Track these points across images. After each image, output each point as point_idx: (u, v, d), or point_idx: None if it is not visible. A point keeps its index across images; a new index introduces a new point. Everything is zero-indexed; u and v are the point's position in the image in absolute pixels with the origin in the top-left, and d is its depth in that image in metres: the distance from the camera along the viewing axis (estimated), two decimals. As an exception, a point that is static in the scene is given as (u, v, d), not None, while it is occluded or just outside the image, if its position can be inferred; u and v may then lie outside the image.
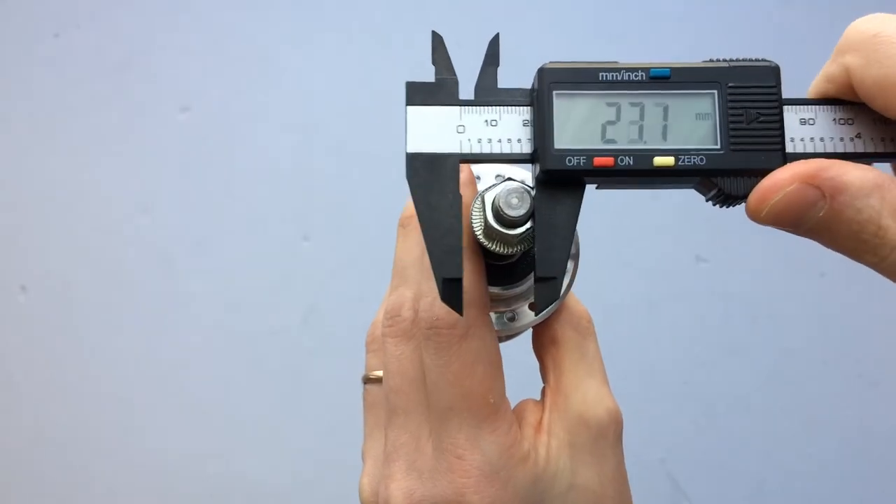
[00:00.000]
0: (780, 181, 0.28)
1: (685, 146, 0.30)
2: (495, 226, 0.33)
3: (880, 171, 0.29)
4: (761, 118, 0.30)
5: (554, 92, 0.30)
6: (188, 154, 1.04)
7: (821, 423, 0.97)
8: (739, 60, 0.31)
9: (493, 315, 0.38)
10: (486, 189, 0.34)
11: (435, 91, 0.32)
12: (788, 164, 0.29)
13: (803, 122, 0.31)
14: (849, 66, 0.29)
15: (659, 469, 0.96)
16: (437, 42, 0.32)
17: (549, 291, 0.31)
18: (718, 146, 0.30)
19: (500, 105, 0.31)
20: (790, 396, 0.98)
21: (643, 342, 0.98)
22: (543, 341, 0.38)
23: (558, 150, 0.30)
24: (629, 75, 0.30)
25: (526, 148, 0.31)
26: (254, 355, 0.96)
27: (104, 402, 0.99)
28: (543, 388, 0.38)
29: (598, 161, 0.30)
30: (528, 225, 0.32)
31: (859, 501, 0.97)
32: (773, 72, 0.30)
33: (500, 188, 0.33)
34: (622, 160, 0.30)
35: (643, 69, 0.30)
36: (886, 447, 0.97)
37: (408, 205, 0.37)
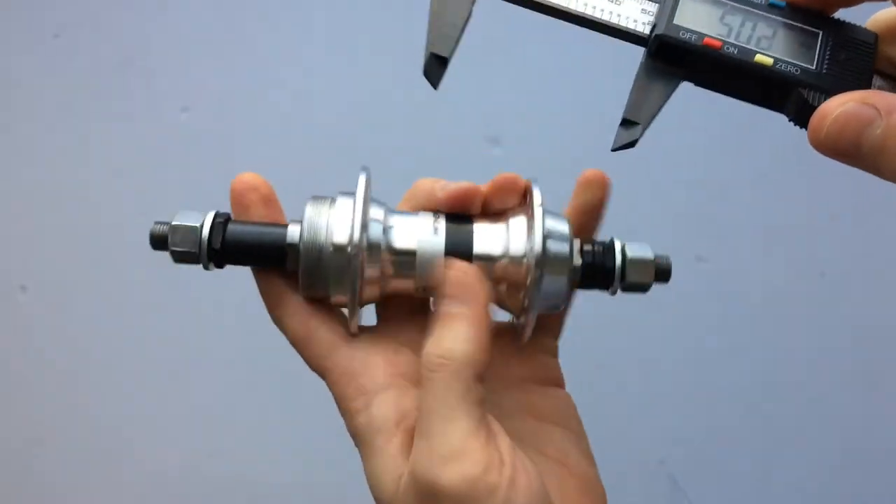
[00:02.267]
0: (836, 102, 0.30)
1: (785, 57, 0.33)
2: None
3: None
4: (855, 65, 0.33)
5: None
6: (188, 154, 1.04)
7: (821, 423, 0.97)
8: (844, 21, 0.34)
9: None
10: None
11: None
12: (841, 94, 0.31)
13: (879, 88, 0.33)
14: None
15: (659, 469, 0.96)
16: None
17: (631, 135, 0.33)
18: (813, 67, 0.33)
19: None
20: (790, 396, 0.98)
21: (643, 342, 0.98)
22: None
23: (675, 25, 0.33)
24: None
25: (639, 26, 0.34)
26: (254, 355, 0.96)
27: (104, 402, 0.99)
28: None
29: (708, 41, 0.33)
30: None
31: (859, 501, 0.97)
32: (874, 37, 0.33)
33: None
34: (728, 48, 0.33)
35: None
36: (886, 447, 0.97)
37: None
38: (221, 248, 0.40)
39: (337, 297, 0.36)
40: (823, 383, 0.98)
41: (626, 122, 0.33)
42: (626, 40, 0.34)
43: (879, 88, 0.33)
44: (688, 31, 0.33)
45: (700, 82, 0.34)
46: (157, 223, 0.41)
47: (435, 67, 0.34)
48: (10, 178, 1.06)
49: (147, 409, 0.99)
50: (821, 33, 0.33)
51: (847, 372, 0.98)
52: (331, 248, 0.35)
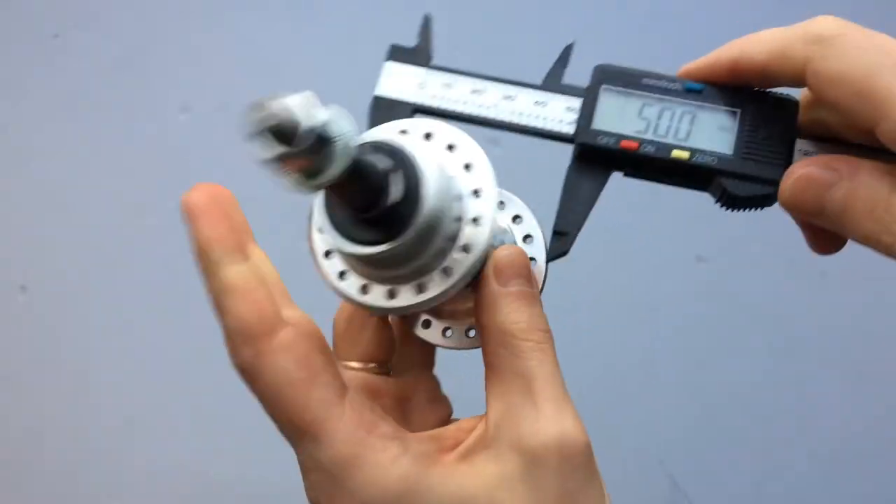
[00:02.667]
0: (801, 164, 0.33)
1: (703, 147, 0.35)
2: (261, 151, 0.26)
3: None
4: (774, 141, 0.35)
5: (602, 86, 0.36)
6: (188, 154, 1.04)
7: (821, 423, 0.97)
8: (764, 90, 0.35)
9: (373, 286, 0.33)
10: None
11: (411, 54, 0.39)
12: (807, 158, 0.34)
13: (805, 153, 0.35)
14: (809, 56, 0.31)
15: (659, 469, 0.96)
16: (426, 23, 0.40)
17: (562, 245, 0.36)
18: (731, 153, 0.35)
19: (555, 92, 0.37)
20: (790, 396, 0.98)
21: (643, 342, 0.98)
22: (483, 361, 0.35)
23: (594, 130, 0.36)
24: (668, 84, 0.36)
25: (517, 120, 0.37)
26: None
27: (104, 402, 0.99)
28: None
29: (625, 144, 0.35)
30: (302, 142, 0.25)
31: (859, 501, 0.97)
32: (794, 105, 0.35)
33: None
34: (645, 147, 0.35)
35: (681, 81, 0.36)
36: (886, 447, 0.97)
37: (193, 237, 0.34)
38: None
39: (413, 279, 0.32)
40: (823, 383, 0.98)
41: (558, 232, 0.36)
42: (554, 140, 0.37)
43: (805, 153, 0.34)
44: (605, 134, 0.36)
45: (627, 174, 0.36)
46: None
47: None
48: (9, 178, 1.06)
49: (147, 408, 0.98)
50: (739, 112, 0.35)
51: (847, 372, 0.98)
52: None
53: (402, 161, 0.30)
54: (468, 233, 0.32)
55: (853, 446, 0.97)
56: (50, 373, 1.00)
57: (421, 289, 0.32)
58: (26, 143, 1.06)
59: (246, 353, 0.32)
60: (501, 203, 0.38)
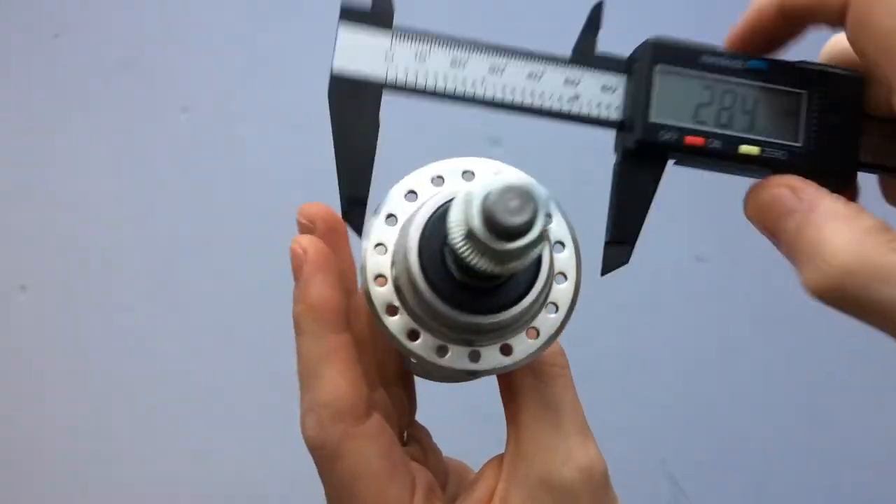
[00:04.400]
0: (773, 182, 0.30)
1: (769, 138, 0.31)
2: (483, 238, 0.24)
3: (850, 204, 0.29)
4: (842, 125, 0.31)
5: (657, 66, 0.31)
6: (188, 154, 1.04)
7: (820, 422, 0.97)
8: (831, 66, 0.32)
9: (452, 347, 0.30)
10: (473, 185, 0.26)
11: (370, 15, 0.32)
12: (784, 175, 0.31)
13: (884, 136, 0.32)
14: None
15: (659, 469, 0.96)
16: None
17: (619, 256, 0.32)
18: (800, 143, 0.31)
19: (591, 68, 0.32)
20: (790, 396, 0.98)
21: (643, 342, 0.98)
22: (502, 390, 0.34)
23: (653, 123, 0.31)
24: (729, 62, 0.31)
25: (508, 98, 0.31)
26: (254, 356, 0.96)
27: (104, 402, 0.99)
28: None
29: (689, 139, 0.31)
30: (527, 239, 0.24)
31: (859, 501, 0.97)
32: (859, 83, 0.32)
33: (493, 184, 0.24)
34: (711, 142, 0.31)
35: (742, 58, 0.32)
36: (886, 447, 0.97)
37: (295, 312, 0.32)
38: None
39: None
40: (823, 383, 0.98)
41: (616, 238, 0.32)
42: (592, 125, 0.32)
43: (868, 139, 0.32)
44: (667, 129, 0.31)
45: (685, 164, 0.33)
46: None
47: (355, 212, 0.31)
48: (9, 177, 1.05)
49: (147, 408, 0.98)
50: (804, 94, 0.31)
51: (847, 372, 0.98)
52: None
53: None
54: (556, 289, 0.31)
55: (853, 446, 0.97)
56: (50, 373, 1.00)
57: (507, 350, 0.30)
58: (26, 143, 1.06)
59: (333, 432, 0.30)
60: None
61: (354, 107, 0.31)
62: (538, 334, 0.31)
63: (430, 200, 0.31)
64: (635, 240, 0.32)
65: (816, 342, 0.98)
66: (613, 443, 1.06)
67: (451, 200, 0.29)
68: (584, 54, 0.32)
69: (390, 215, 0.32)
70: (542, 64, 0.32)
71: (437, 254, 0.29)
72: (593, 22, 0.32)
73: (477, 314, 0.29)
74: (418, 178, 0.33)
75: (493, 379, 0.35)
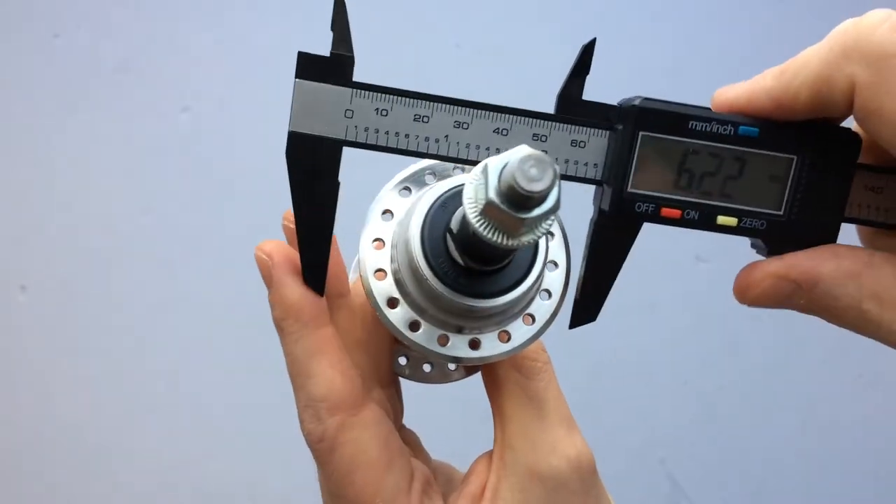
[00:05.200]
0: (754, 280, 0.30)
1: (750, 206, 0.30)
2: (500, 205, 0.25)
3: (864, 255, 0.29)
4: (830, 188, 0.30)
5: (641, 134, 0.30)
6: (188, 154, 1.04)
7: (821, 423, 0.97)
8: (825, 125, 0.30)
9: (453, 336, 0.31)
10: (490, 158, 0.26)
11: (328, 67, 0.30)
12: (768, 260, 0.30)
13: (872, 189, 0.31)
14: (856, 80, 0.26)
15: (659, 469, 0.96)
16: (339, 6, 0.32)
17: (587, 314, 0.31)
18: (781, 212, 0.30)
19: (581, 125, 0.30)
20: (790, 396, 0.98)
21: (643, 342, 0.98)
22: (487, 386, 0.34)
23: (630, 195, 0.30)
24: (718, 128, 0.30)
25: (473, 155, 0.30)
26: (254, 355, 0.96)
27: (104, 403, 0.99)
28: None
29: (666, 212, 0.30)
30: (544, 207, 0.25)
31: (859, 501, 0.97)
32: (857, 142, 0.30)
33: (512, 155, 0.25)
34: (688, 214, 0.31)
35: (733, 124, 0.30)
36: (886, 447, 0.97)
37: (274, 316, 0.33)
38: None
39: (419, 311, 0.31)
40: (823, 383, 0.98)
41: (584, 300, 0.31)
42: (576, 182, 0.31)
43: (858, 192, 0.30)
44: (644, 199, 0.30)
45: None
46: None
47: (314, 275, 0.31)
48: (9, 177, 1.05)
49: (146, 408, 0.98)
50: (795, 159, 0.30)
51: (847, 372, 0.98)
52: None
53: None
54: (548, 276, 0.32)
55: (853, 446, 0.97)
56: (50, 372, 1.00)
57: (506, 337, 0.31)
58: (26, 143, 1.06)
59: (330, 423, 0.31)
60: None
61: (313, 166, 0.30)
62: (534, 320, 0.31)
63: (429, 191, 0.31)
64: (603, 300, 0.31)
65: (816, 342, 0.98)
66: (613, 443, 1.06)
67: (452, 188, 0.30)
68: (571, 100, 0.30)
69: (386, 211, 0.33)
70: (509, 121, 0.30)
71: (440, 241, 0.30)
72: (582, 63, 0.31)
73: (480, 298, 0.29)
74: (411, 175, 0.33)
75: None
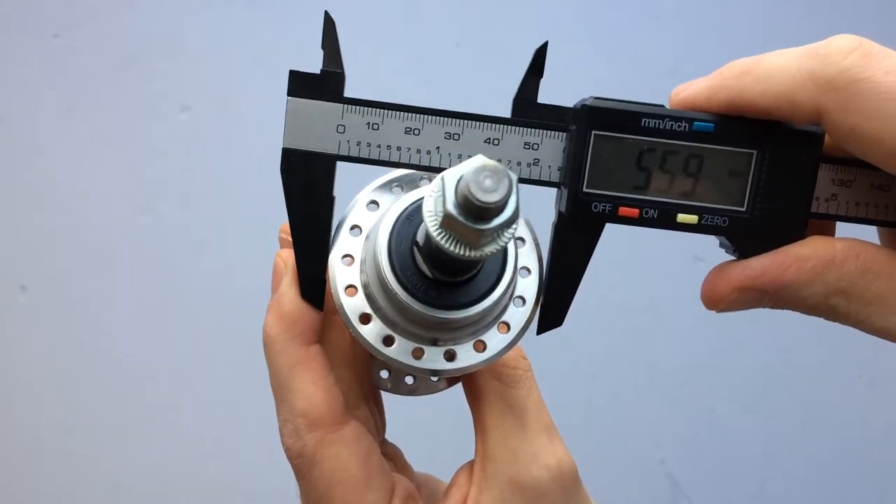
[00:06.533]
0: (720, 293, 0.31)
1: (711, 203, 0.30)
2: (458, 217, 0.25)
3: (829, 250, 0.28)
4: (793, 184, 0.30)
5: (593, 133, 0.29)
6: (188, 154, 1.04)
7: (821, 423, 0.97)
8: (788, 123, 0.30)
9: (428, 349, 0.31)
10: (447, 170, 0.26)
11: (319, 84, 0.31)
12: (731, 267, 0.30)
13: (839, 183, 0.30)
14: (824, 106, 0.26)
15: (659, 469, 0.96)
16: (329, 26, 0.33)
17: (553, 319, 0.31)
18: (744, 209, 0.30)
19: (536, 127, 0.30)
20: (790, 396, 0.98)
21: (643, 342, 0.98)
22: (468, 396, 0.34)
23: (586, 194, 0.30)
24: (672, 125, 0.29)
25: (434, 161, 0.30)
26: (254, 355, 0.96)
27: (104, 402, 0.99)
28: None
29: (624, 211, 0.30)
30: (503, 217, 0.25)
31: (859, 501, 0.97)
32: (818, 139, 0.29)
33: (467, 166, 0.25)
34: (647, 212, 0.30)
35: (687, 120, 0.29)
36: (886, 447, 0.97)
37: (266, 323, 0.33)
38: None
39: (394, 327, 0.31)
40: (823, 383, 0.98)
41: (549, 305, 0.31)
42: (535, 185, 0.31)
43: (825, 186, 0.29)
44: (601, 199, 0.30)
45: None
46: None
47: (312, 289, 0.31)
48: (9, 177, 1.05)
49: (146, 408, 0.98)
50: (755, 154, 0.29)
51: (847, 372, 0.98)
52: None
53: None
54: (521, 283, 0.32)
55: (853, 446, 0.97)
56: (50, 372, 1.00)
57: (482, 347, 0.31)
58: (26, 142, 1.06)
59: (310, 439, 0.31)
60: None
61: (308, 181, 0.30)
62: (509, 328, 0.31)
63: (395, 204, 0.31)
64: (568, 304, 0.31)
65: (816, 343, 0.98)
66: (613, 443, 1.06)
67: (418, 201, 0.30)
68: (526, 103, 0.30)
69: (354, 226, 0.32)
70: (479, 127, 0.31)
71: (407, 254, 0.30)
72: (536, 66, 0.31)
73: (451, 310, 0.29)
74: (378, 189, 0.33)
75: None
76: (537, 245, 0.32)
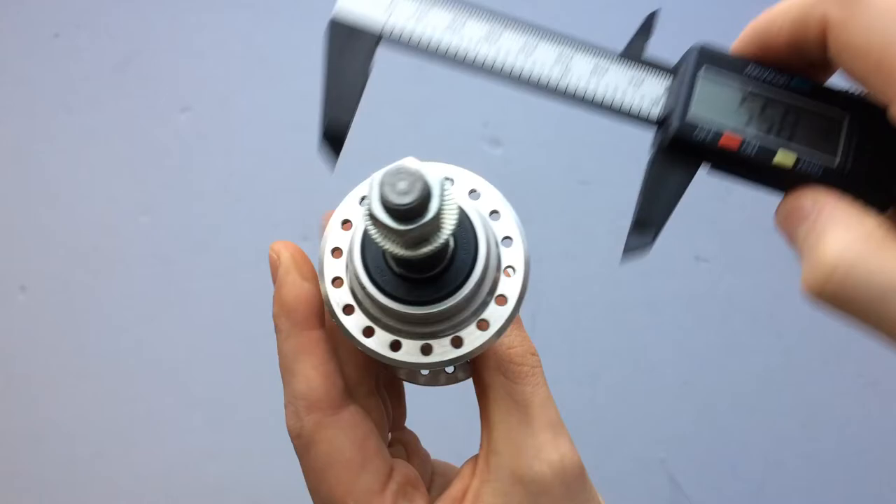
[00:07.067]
0: (797, 192, 0.30)
1: (807, 150, 0.30)
2: (381, 217, 0.26)
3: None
4: (885, 154, 0.30)
5: (703, 68, 0.31)
6: (188, 154, 1.04)
7: (821, 423, 0.97)
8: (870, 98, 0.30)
9: (405, 342, 0.31)
10: (379, 171, 0.27)
11: None
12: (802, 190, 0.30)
13: None
14: (828, 19, 0.27)
15: (659, 469, 0.96)
16: None
17: (643, 239, 0.31)
18: (836, 160, 0.30)
19: (638, 64, 0.32)
20: (790, 396, 0.98)
21: (643, 342, 0.98)
22: (476, 390, 0.35)
23: (689, 121, 0.31)
24: (773, 76, 0.31)
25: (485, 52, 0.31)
26: (254, 355, 0.96)
27: (104, 403, 0.99)
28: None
29: (725, 140, 0.30)
30: (426, 218, 0.26)
31: (859, 501, 0.97)
32: None
33: (387, 169, 0.26)
34: (747, 146, 0.30)
35: (788, 75, 0.31)
36: (886, 447, 0.97)
37: (273, 312, 0.34)
38: None
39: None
40: (823, 383, 0.98)
41: (639, 224, 0.31)
42: (632, 122, 0.32)
43: None
44: (703, 128, 0.30)
45: (718, 171, 0.32)
46: None
47: (333, 135, 0.32)
48: (9, 177, 1.06)
49: (146, 408, 0.98)
50: (847, 118, 0.31)
51: (847, 372, 0.98)
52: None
53: (461, 218, 0.30)
54: (504, 283, 0.32)
55: (853, 446, 0.97)
56: (50, 373, 1.00)
57: (458, 343, 0.31)
58: (26, 142, 1.06)
59: (307, 421, 0.32)
60: (474, 191, 0.33)
61: (348, 51, 0.32)
62: (488, 325, 0.31)
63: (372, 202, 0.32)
64: (661, 228, 0.31)
65: (816, 342, 0.98)
66: (613, 443, 1.06)
67: None
68: (632, 56, 0.32)
69: (345, 221, 0.33)
70: (572, 48, 0.32)
71: (379, 251, 0.30)
72: (646, 28, 0.33)
73: (421, 306, 0.30)
74: (369, 183, 0.34)
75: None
76: (525, 245, 0.33)
